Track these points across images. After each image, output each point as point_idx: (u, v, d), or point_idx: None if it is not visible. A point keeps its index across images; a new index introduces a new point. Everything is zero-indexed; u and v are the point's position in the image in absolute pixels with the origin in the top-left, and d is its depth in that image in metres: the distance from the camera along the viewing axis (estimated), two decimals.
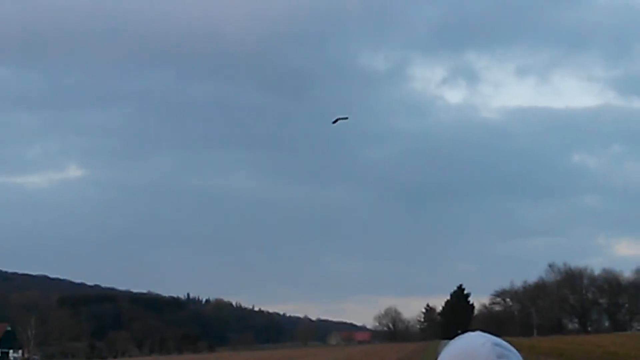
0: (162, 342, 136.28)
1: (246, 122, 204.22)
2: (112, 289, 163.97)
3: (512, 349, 1.28)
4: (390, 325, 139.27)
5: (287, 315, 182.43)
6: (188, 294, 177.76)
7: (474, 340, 1.32)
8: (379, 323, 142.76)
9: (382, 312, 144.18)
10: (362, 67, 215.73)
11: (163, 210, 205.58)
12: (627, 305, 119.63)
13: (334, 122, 38.62)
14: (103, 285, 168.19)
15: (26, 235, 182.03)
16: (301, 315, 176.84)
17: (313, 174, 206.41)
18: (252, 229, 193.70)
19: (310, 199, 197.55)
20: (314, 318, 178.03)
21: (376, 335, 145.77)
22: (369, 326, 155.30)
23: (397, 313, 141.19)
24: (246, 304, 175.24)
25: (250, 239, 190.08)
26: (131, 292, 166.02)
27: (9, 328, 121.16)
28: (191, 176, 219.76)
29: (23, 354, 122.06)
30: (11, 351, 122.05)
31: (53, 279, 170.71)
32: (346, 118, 43.17)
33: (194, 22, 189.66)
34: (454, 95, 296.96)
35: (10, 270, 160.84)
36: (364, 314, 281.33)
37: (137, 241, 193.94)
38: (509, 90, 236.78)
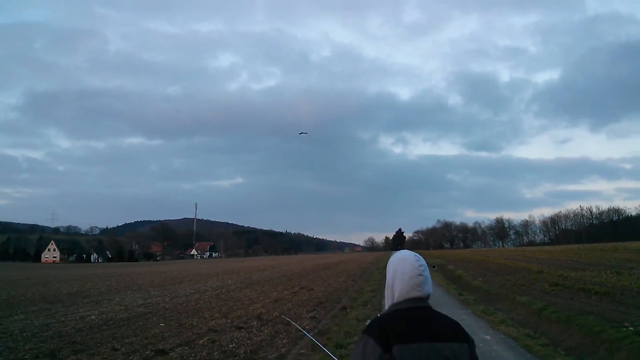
0: (274, 251, 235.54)
1: (310, 158, 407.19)
2: (254, 228, 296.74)
3: (420, 256, 2.59)
4: (370, 244, 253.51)
5: (327, 239, 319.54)
6: (286, 230, 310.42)
7: (405, 252, 2.62)
8: (365, 243, 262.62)
9: (367, 238, 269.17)
10: (358, 137, 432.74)
11: (279, 193, 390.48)
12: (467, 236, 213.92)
13: (300, 134, 74.91)
14: (253, 226, 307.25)
15: (219, 207, 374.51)
16: (333, 240, 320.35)
17: (338, 181, 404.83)
18: (312, 204, 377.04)
19: (336, 192, 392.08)
20: (339, 241, 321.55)
21: (364, 249, 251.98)
22: (361, 244, 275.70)
23: (373, 239, 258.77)
24: (310, 234, 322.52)
25: (311, 209, 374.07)
26: (263, 229, 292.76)
27: (212, 244, 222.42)
28: (288, 181, 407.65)
29: (218, 255, 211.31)
30: (214, 254, 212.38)
31: (232, 224, 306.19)
32: (306, 133, 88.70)
33: (285, 115, 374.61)
34: (397, 149, 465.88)
35: (218, 219, 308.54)
36: (359, 239, 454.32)
37: (264, 207, 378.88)
38: (419, 148, 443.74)
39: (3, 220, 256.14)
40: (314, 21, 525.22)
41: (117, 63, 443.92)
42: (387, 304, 2.62)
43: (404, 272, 2.53)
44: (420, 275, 2.51)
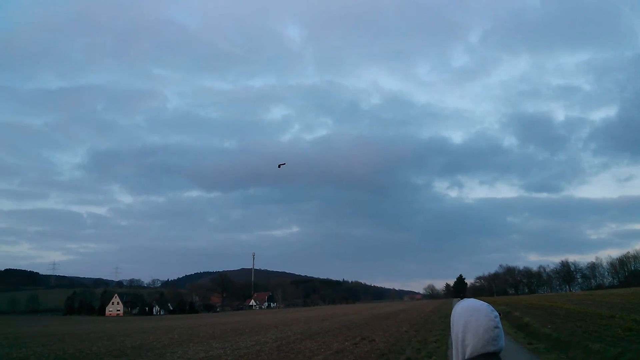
0: (332, 300, 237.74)
1: (364, 205, 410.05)
2: (311, 277, 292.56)
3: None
4: (430, 292, 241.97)
5: (385, 287, 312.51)
6: (343, 278, 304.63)
7: (475, 302, 2.37)
8: (425, 291, 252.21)
9: (426, 286, 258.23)
10: (412, 182, 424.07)
11: (334, 241, 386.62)
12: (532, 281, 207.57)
13: (279, 166, 51.09)
14: (311, 275, 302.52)
15: (276, 256, 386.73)
16: (391, 287, 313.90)
17: (394, 227, 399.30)
18: (369, 251, 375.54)
19: (393, 239, 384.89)
20: (397, 289, 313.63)
21: (424, 297, 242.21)
22: (421, 292, 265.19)
23: (432, 287, 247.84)
24: (368, 282, 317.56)
25: (368, 257, 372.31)
26: (320, 278, 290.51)
27: (270, 294, 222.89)
28: (343, 229, 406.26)
29: (277, 305, 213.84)
30: (272, 304, 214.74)
31: (289, 273, 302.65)
32: (284, 164, 60.00)
33: (338, 163, 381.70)
34: (453, 193, 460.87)
35: (275, 269, 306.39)
36: (418, 287, 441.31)
37: (321, 256, 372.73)
38: (475, 191, 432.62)
39: (69, 275, 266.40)
40: (363, 71, 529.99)
41: (175, 120, 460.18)
42: None
43: (477, 324, 2.29)
44: (496, 327, 2.29)
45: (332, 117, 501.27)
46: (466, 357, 2.29)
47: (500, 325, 2.32)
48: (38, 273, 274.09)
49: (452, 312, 2.48)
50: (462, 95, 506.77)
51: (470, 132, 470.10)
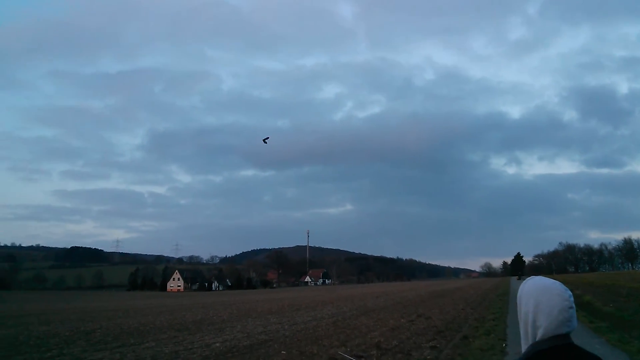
0: (386, 277, 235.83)
1: (419, 183, 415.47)
2: (365, 254, 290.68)
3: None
4: (487, 270, 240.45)
5: (441, 265, 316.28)
6: (397, 256, 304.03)
7: (547, 280, 2.17)
8: (482, 269, 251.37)
9: (483, 264, 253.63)
10: (468, 159, 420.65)
11: (388, 219, 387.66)
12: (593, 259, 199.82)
13: (264, 140, 50.45)
14: (364, 252, 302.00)
15: (331, 234, 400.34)
16: (447, 265, 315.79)
17: (449, 204, 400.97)
18: (424, 229, 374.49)
19: (448, 216, 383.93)
20: (453, 267, 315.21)
21: (481, 275, 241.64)
22: (478, 270, 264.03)
23: (489, 265, 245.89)
24: (422, 260, 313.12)
25: (423, 234, 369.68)
26: (373, 255, 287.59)
27: (325, 270, 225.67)
28: (397, 207, 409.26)
29: (332, 281, 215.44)
30: (327, 280, 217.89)
31: (343, 250, 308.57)
32: (268, 137, 62.20)
33: (391, 141, 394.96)
34: (511, 170, 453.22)
35: (329, 246, 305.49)
36: (475, 265, 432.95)
37: (375, 233, 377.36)
38: (534, 167, 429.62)
39: (132, 252, 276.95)
40: (416, 46, 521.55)
41: (229, 101, 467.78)
42: (525, 343, 2.20)
43: (551, 304, 2.10)
44: (570, 307, 2.11)
45: (385, 94, 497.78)
46: (537, 339, 2.12)
47: (574, 305, 2.14)
48: (102, 250, 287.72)
49: (520, 290, 2.27)
50: (519, 69, 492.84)
51: (529, 107, 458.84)
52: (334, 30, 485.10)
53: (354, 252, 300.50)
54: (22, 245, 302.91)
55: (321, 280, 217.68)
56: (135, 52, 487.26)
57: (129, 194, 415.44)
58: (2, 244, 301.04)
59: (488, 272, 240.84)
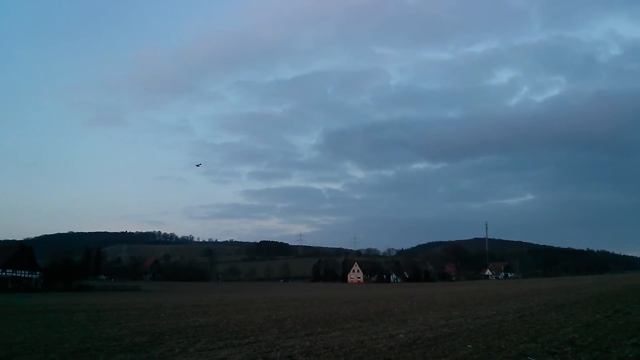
0: (576, 270, 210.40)
1: (606, 168, 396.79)
2: (550, 246, 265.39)
3: None
4: None
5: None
6: (587, 247, 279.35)
7: None
8: None
9: None
10: None
11: (574, 208, 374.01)
12: None
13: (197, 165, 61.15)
14: (550, 244, 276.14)
15: (511, 225, 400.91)
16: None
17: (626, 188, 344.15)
18: (617, 218, 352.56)
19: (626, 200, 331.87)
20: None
21: None
22: None
23: None
24: (617, 251, 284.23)
25: (616, 224, 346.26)
26: (560, 247, 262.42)
27: (506, 264, 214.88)
28: (584, 195, 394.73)
29: (514, 275, 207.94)
30: (509, 274, 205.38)
31: (525, 242, 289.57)
32: (199, 164, 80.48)
33: (574, 124, 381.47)
34: None
35: (510, 238, 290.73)
36: None
37: (560, 224, 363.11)
38: None
39: (314, 245, 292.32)
40: (597, 21, 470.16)
41: (398, 96, 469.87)
42: None
43: None
44: None
45: (565, 75, 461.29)
46: None
47: None
48: (287, 244, 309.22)
49: None
50: None
51: None
52: (505, 13, 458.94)
53: (537, 244, 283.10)
54: (218, 240, 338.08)
55: (503, 273, 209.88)
56: (309, 58, 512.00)
57: (308, 191, 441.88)
58: (201, 240, 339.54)
59: None
